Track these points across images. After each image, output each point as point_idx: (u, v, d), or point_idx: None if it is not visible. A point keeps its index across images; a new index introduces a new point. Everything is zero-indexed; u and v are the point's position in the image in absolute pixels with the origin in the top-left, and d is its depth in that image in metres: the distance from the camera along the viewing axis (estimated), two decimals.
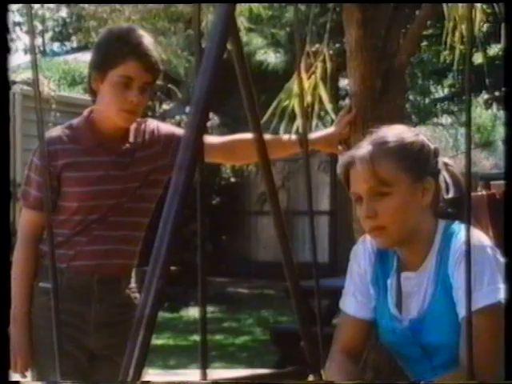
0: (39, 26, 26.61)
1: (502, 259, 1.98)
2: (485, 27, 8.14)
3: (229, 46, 0.96)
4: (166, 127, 2.98)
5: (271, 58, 13.40)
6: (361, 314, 2.16)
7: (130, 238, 2.83)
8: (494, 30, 9.45)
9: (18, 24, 23.86)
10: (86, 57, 4.94)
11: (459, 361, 1.93)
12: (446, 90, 15.67)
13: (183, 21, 10.81)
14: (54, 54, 23.32)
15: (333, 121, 3.37)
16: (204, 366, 0.89)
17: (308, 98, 3.76)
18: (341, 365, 2.13)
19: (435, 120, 18.18)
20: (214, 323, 9.52)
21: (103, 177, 2.77)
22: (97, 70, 2.77)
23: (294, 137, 3.03)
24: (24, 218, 2.83)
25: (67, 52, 22.12)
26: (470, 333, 1.05)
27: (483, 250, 1.97)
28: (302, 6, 9.41)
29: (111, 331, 2.80)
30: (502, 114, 15.87)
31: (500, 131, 20.72)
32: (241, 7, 6.77)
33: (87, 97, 3.09)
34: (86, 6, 10.19)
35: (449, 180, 2.12)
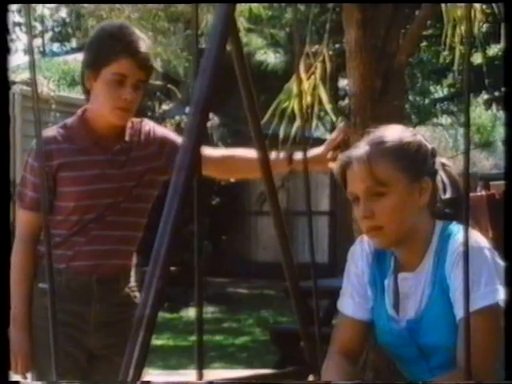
0: (39, 27, 26.61)
1: (499, 260, 1.98)
2: (484, 27, 8.14)
3: (229, 47, 0.96)
4: (161, 130, 2.98)
5: (271, 58, 13.41)
6: (358, 314, 2.15)
7: (128, 237, 2.83)
8: (494, 30, 9.45)
9: (18, 24, 23.87)
10: None
11: (456, 362, 1.93)
12: (446, 91, 15.69)
13: (183, 21, 10.81)
14: (54, 54, 23.32)
15: (333, 121, 3.37)
16: (200, 367, 0.89)
17: (308, 99, 3.76)
18: (338, 366, 2.12)
19: (435, 120, 18.19)
20: (213, 323, 9.53)
21: (99, 175, 2.77)
22: (90, 68, 2.76)
23: (282, 155, 2.98)
24: (21, 219, 2.82)
25: (67, 52, 22.11)
26: (468, 333, 1.05)
27: (480, 251, 1.97)
28: (302, 7, 9.41)
29: (111, 331, 2.80)
30: (501, 114, 15.88)
31: (500, 131, 20.73)
32: (241, 7, 6.78)
33: None
34: (86, 4, 10.18)
35: (446, 180, 2.12)
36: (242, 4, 6.99)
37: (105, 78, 2.72)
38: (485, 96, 13.23)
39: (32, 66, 1.04)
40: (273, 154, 2.96)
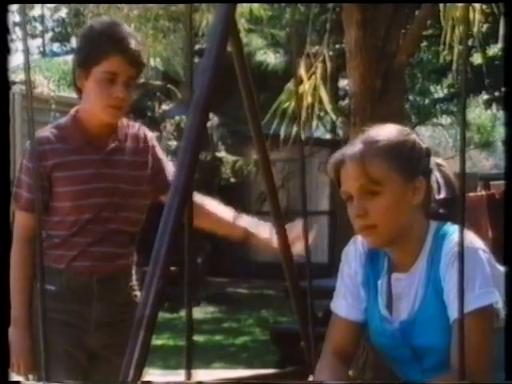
0: (39, 27, 26.62)
1: (494, 262, 1.98)
2: (484, 27, 8.14)
3: (229, 47, 0.96)
4: (162, 157, 2.94)
5: (271, 58, 13.42)
6: (352, 316, 2.14)
7: (127, 236, 2.83)
8: (494, 30, 9.45)
9: (19, 24, 23.85)
10: None
11: (450, 363, 1.92)
12: (446, 91, 15.68)
13: (183, 20, 10.81)
14: (54, 54, 23.32)
15: (333, 121, 3.36)
16: (188, 367, 0.89)
17: (308, 99, 3.76)
18: (332, 367, 2.11)
19: (435, 120, 18.18)
20: (213, 323, 9.53)
21: (95, 175, 2.77)
22: (81, 67, 2.76)
23: (244, 225, 2.94)
24: (17, 220, 2.82)
25: (67, 52, 22.10)
26: (462, 334, 1.05)
27: (475, 252, 1.96)
28: (302, 7, 9.41)
29: (112, 330, 2.80)
30: (501, 114, 15.87)
31: (500, 131, 20.73)
32: (241, 9, 6.77)
33: None
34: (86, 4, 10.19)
35: (440, 180, 2.11)
36: (243, 5, 6.99)
37: (96, 77, 2.72)
38: (485, 96, 13.23)
39: (27, 64, 1.04)
40: (237, 221, 2.93)
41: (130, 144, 2.84)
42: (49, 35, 27.22)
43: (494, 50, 11.60)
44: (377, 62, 3.92)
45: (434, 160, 2.12)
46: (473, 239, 1.98)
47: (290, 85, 3.93)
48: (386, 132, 2.07)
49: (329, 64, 3.90)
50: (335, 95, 11.39)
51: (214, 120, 12.20)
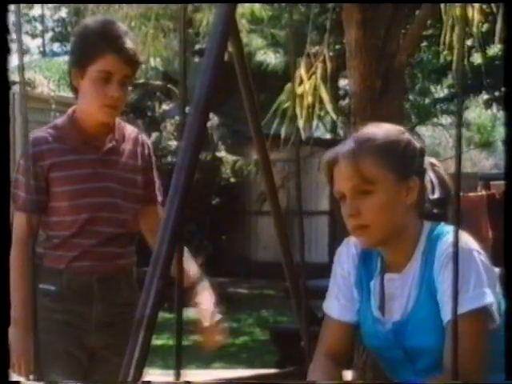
0: (39, 27, 26.62)
1: (488, 262, 1.97)
2: (484, 27, 8.14)
3: (230, 47, 0.96)
4: (155, 171, 2.94)
5: (271, 58, 13.42)
6: (345, 317, 2.13)
7: (127, 237, 2.83)
8: (494, 30, 9.45)
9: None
10: None
11: (443, 364, 1.91)
12: (446, 91, 15.68)
13: (184, 20, 10.80)
14: (54, 54, 23.31)
15: (333, 121, 3.36)
16: (178, 367, 0.89)
17: (308, 99, 3.76)
18: (324, 368, 2.10)
19: (435, 120, 18.18)
20: None
21: (92, 174, 2.76)
22: (76, 66, 2.75)
23: (203, 309, 3.11)
24: (16, 221, 2.82)
25: (67, 52, 22.07)
26: (455, 335, 1.05)
27: (470, 253, 1.94)
28: (302, 7, 9.41)
29: (112, 330, 2.80)
30: (501, 114, 15.88)
31: (500, 131, 20.72)
32: (243, 9, 6.78)
33: None
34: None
35: (435, 180, 2.10)
36: (244, 6, 7.00)
37: (91, 76, 2.71)
38: (485, 96, 13.22)
39: (20, 64, 1.04)
40: (203, 294, 3.03)
41: (127, 146, 2.84)
42: (49, 35, 27.23)
43: (494, 49, 11.59)
44: (377, 62, 3.92)
45: (427, 160, 2.10)
46: (467, 240, 1.96)
47: (290, 85, 3.93)
48: (380, 131, 2.05)
49: (329, 64, 3.91)
50: (335, 95, 11.39)
51: (214, 120, 12.21)
